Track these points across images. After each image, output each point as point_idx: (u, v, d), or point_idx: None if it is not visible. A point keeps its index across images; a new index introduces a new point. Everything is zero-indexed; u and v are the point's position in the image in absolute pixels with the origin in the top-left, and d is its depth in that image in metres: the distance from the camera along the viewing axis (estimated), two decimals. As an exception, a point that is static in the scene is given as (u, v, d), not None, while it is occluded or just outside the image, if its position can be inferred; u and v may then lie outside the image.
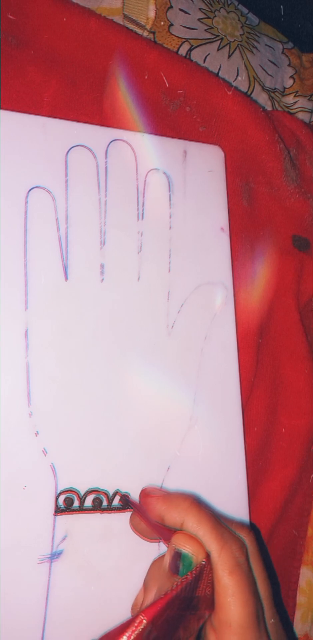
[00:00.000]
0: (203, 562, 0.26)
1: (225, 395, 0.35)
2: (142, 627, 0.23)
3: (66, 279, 0.33)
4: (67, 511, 0.31)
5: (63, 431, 0.31)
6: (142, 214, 0.36)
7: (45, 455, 0.31)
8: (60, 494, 0.31)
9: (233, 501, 0.35)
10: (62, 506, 0.31)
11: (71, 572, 0.31)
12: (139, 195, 0.36)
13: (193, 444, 0.34)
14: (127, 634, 0.22)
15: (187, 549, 0.26)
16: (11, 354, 0.31)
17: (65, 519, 0.31)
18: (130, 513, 0.32)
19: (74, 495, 0.31)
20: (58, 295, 0.33)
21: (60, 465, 0.31)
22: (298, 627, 0.39)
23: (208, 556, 0.26)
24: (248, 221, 0.41)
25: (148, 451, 0.33)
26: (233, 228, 0.39)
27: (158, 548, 0.32)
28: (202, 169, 0.38)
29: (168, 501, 0.28)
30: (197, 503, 0.28)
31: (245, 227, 0.40)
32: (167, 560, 0.27)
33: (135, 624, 0.23)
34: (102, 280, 0.34)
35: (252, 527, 0.29)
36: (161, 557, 0.30)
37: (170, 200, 0.37)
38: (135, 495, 0.32)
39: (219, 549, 0.26)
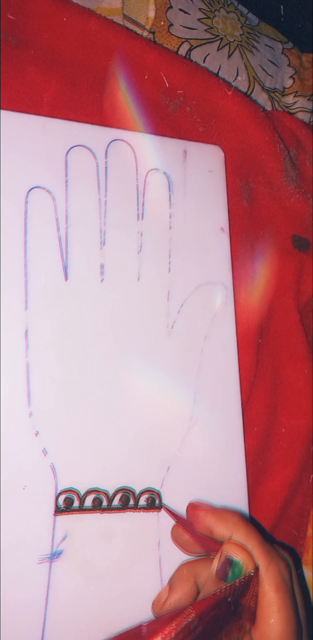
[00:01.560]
0: (252, 573, 0.26)
1: (225, 395, 0.35)
2: (190, 619, 0.24)
3: (66, 279, 0.33)
4: (67, 511, 0.31)
5: (63, 431, 0.31)
6: (142, 214, 0.36)
7: (45, 455, 0.31)
8: (60, 494, 0.31)
9: (233, 501, 0.35)
10: (62, 506, 0.31)
11: (71, 572, 0.31)
12: (139, 195, 0.36)
13: (193, 444, 0.34)
14: (175, 623, 0.24)
15: (238, 557, 0.27)
16: (11, 354, 0.31)
17: (65, 519, 0.31)
18: (173, 523, 0.32)
19: (74, 495, 0.31)
20: (58, 295, 0.33)
21: (60, 465, 0.31)
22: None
23: (257, 569, 0.27)
24: (248, 221, 0.41)
25: (148, 451, 0.33)
26: (233, 228, 0.39)
27: (159, 549, 0.32)
28: (202, 169, 0.38)
29: (216, 515, 0.29)
30: (244, 518, 0.29)
31: (245, 227, 0.40)
32: (216, 565, 0.27)
33: (184, 615, 0.24)
34: (102, 280, 0.34)
35: (292, 553, 0.30)
36: (191, 561, 0.31)
37: (170, 200, 0.37)
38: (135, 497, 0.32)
39: (267, 564, 0.27)
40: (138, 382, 0.33)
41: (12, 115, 0.33)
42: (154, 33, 0.40)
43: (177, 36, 0.41)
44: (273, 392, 0.40)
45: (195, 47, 0.41)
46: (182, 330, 0.35)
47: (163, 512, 0.33)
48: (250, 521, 0.35)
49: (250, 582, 0.26)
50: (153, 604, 0.31)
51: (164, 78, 0.37)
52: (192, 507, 0.30)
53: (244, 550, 0.27)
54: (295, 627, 0.26)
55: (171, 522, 0.32)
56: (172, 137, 0.39)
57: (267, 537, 0.29)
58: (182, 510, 0.32)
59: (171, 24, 0.41)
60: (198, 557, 0.31)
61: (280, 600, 0.26)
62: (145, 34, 0.40)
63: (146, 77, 0.37)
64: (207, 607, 0.25)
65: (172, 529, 0.32)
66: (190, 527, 0.30)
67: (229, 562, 0.27)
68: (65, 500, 0.31)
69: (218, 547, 0.28)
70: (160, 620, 0.24)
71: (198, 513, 0.29)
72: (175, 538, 0.32)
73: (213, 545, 0.29)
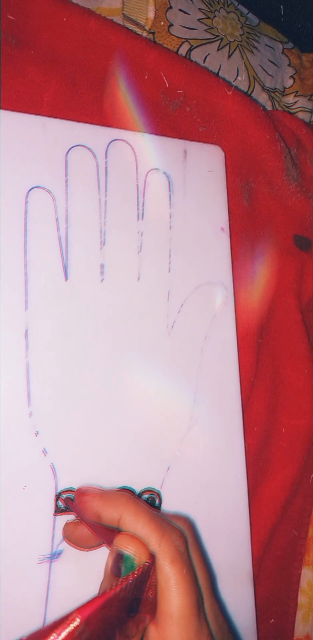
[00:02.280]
0: (147, 563, 0.25)
1: (225, 395, 0.35)
2: (74, 624, 0.22)
3: (66, 279, 0.33)
4: (67, 511, 0.31)
5: (63, 431, 0.31)
6: (142, 214, 0.36)
7: (45, 455, 0.31)
8: (60, 494, 0.31)
9: (233, 501, 0.35)
10: (62, 506, 0.31)
11: (71, 572, 0.31)
12: (139, 195, 0.36)
13: (193, 444, 0.34)
14: (57, 631, 0.21)
15: (129, 550, 0.25)
16: (11, 354, 0.31)
17: (65, 519, 0.31)
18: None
19: (74, 495, 0.31)
20: (58, 295, 0.32)
21: (60, 465, 0.31)
22: (300, 627, 0.39)
23: (152, 558, 0.25)
24: (249, 221, 0.41)
25: (148, 451, 0.33)
26: (233, 228, 0.39)
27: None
28: (202, 169, 0.38)
29: (104, 498, 0.28)
30: (133, 497, 0.27)
31: (245, 227, 0.40)
32: (109, 562, 0.26)
33: (67, 622, 0.22)
34: (102, 280, 0.34)
35: (187, 520, 0.29)
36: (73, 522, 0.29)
37: (170, 200, 0.37)
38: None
39: (159, 538, 0.26)
40: (138, 382, 0.33)
41: (12, 115, 0.33)
42: (153, 33, 0.40)
43: (177, 36, 0.41)
44: (273, 392, 0.40)
45: (195, 47, 0.41)
46: (182, 330, 0.35)
47: (163, 512, 0.33)
48: (250, 519, 0.35)
49: (146, 573, 0.25)
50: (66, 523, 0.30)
51: (164, 78, 0.37)
52: (79, 493, 0.29)
53: (135, 540, 0.26)
54: (195, 598, 0.25)
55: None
56: (172, 137, 0.39)
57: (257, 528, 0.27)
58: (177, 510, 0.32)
59: (171, 24, 0.41)
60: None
61: (177, 573, 0.25)
62: (145, 34, 0.40)
63: (146, 77, 0.37)
64: (94, 609, 0.23)
65: (63, 527, 0.30)
66: (83, 516, 0.28)
67: (120, 557, 0.25)
68: (65, 500, 0.31)
69: (112, 534, 0.27)
70: (41, 631, 0.22)
71: (85, 498, 0.28)
72: (68, 537, 0.30)
73: (107, 534, 0.27)
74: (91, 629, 0.22)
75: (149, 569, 0.25)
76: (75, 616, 0.22)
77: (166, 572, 0.25)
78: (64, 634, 0.21)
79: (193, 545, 0.27)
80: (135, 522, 0.26)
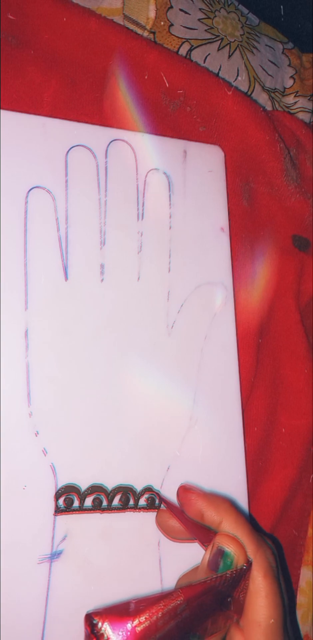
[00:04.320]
0: (245, 567, 0.26)
1: (225, 395, 0.35)
2: (178, 602, 0.24)
3: (66, 279, 0.33)
4: (67, 511, 0.31)
5: (63, 431, 0.31)
6: (142, 214, 0.36)
7: (45, 455, 0.31)
8: (60, 490, 0.31)
9: (233, 501, 0.35)
10: (62, 506, 0.31)
11: (71, 572, 0.31)
12: (139, 195, 0.36)
13: (193, 444, 0.34)
14: (163, 603, 0.24)
15: (230, 548, 0.27)
16: (11, 354, 0.31)
17: (65, 519, 0.31)
18: (156, 512, 0.32)
19: (74, 495, 0.31)
20: (58, 295, 0.33)
21: (60, 465, 0.31)
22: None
23: (250, 563, 0.27)
24: (248, 221, 0.41)
25: (148, 451, 0.33)
26: (233, 228, 0.39)
27: (159, 549, 0.32)
28: (202, 169, 0.38)
29: (208, 499, 0.29)
30: (234, 506, 0.29)
31: (245, 227, 0.40)
32: (207, 556, 0.27)
33: (173, 597, 0.24)
34: (102, 280, 0.34)
35: (275, 542, 0.30)
36: (191, 571, 0.31)
37: (170, 200, 0.37)
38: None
39: (255, 551, 0.27)
40: (138, 382, 0.33)
41: (12, 115, 0.33)
42: (154, 33, 0.40)
43: (177, 36, 0.41)
44: (273, 392, 0.40)
45: (196, 47, 0.41)
46: (182, 330, 0.35)
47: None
48: (250, 519, 0.35)
49: (242, 576, 0.26)
50: None
51: (164, 78, 0.37)
52: (184, 489, 0.30)
53: (236, 541, 0.27)
54: (281, 613, 0.27)
55: (173, 522, 0.32)
56: (172, 137, 0.39)
57: (255, 527, 0.29)
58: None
59: (171, 24, 0.41)
60: (186, 541, 0.31)
61: (268, 586, 0.26)
62: (145, 34, 0.40)
63: (146, 77, 0.37)
64: (196, 593, 0.25)
65: (156, 514, 0.32)
66: (179, 511, 0.30)
67: (221, 553, 0.27)
68: (65, 500, 0.31)
69: (206, 534, 0.28)
70: (149, 599, 0.24)
71: (190, 496, 0.29)
72: (160, 524, 0.32)
73: (201, 532, 0.29)
74: (190, 610, 0.25)
75: (245, 572, 0.27)
76: (180, 595, 0.25)
77: (258, 583, 0.27)
78: (170, 606, 0.24)
79: (279, 567, 0.29)
80: (235, 529, 0.28)
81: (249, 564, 0.27)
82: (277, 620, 0.26)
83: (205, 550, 0.28)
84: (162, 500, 0.32)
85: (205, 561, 0.27)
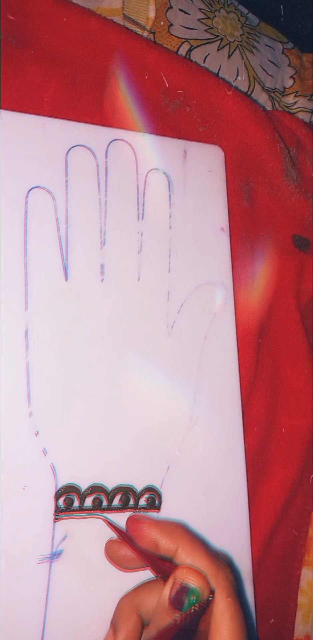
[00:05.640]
0: (210, 597, 0.26)
1: (225, 395, 0.35)
2: None
3: (66, 279, 0.33)
4: (67, 511, 0.31)
5: (63, 431, 0.31)
6: (142, 214, 0.36)
7: (45, 455, 0.31)
8: (60, 490, 0.31)
9: (233, 501, 0.35)
10: (62, 506, 0.31)
11: (71, 572, 0.31)
12: (139, 195, 0.36)
13: (193, 444, 0.34)
14: None
15: (195, 583, 0.26)
16: (11, 354, 0.31)
17: (65, 521, 0.31)
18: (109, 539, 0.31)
19: (74, 496, 0.31)
20: (58, 295, 0.32)
21: (60, 465, 0.31)
22: (299, 628, 0.39)
23: (213, 592, 0.26)
24: (248, 221, 0.41)
25: (148, 451, 0.33)
26: (233, 228, 0.39)
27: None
28: (202, 169, 0.38)
29: (161, 527, 0.28)
30: (188, 530, 0.28)
31: (245, 227, 0.40)
32: (168, 593, 0.26)
33: None
34: (102, 280, 0.34)
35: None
36: (129, 594, 0.30)
37: (170, 200, 0.37)
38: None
39: (216, 573, 0.26)
40: (138, 382, 0.33)
41: (12, 115, 0.33)
42: (154, 33, 0.40)
43: (177, 36, 0.41)
44: (273, 392, 0.40)
45: (195, 48, 0.41)
46: (182, 330, 0.35)
47: (163, 512, 0.33)
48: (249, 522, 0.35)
49: (207, 607, 0.26)
50: None
51: (164, 78, 0.37)
52: (133, 520, 0.29)
53: (199, 574, 0.26)
54: (245, 634, 0.26)
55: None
56: (172, 137, 0.39)
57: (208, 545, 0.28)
58: (182, 509, 0.32)
59: (171, 24, 0.41)
60: (136, 584, 0.30)
61: (233, 607, 0.26)
62: (145, 34, 0.40)
63: (146, 77, 0.37)
64: (171, 634, 0.24)
65: (105, 545, 0.31)
66: (131, 542, 0.29)
67: (185, 590, 0.26)
68: (65, 500, 0.31)
69: (161, 563, 0.27)
70: None
71: (142, 526, 0.28)
72: (110, 555, 0.30)
73: (155, 561, 0.28)
74: None
75: (210, 603, 0.26)
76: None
77: (222, 606, 0.26)
78: None
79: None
80: (192, 555, 0.27)
81: (213, 593, 0.26)
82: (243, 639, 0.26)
83: (161, 582, 0.27)
84: (113, 528, 0.30)
85: (165, 597, 0.26)
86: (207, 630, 0.26)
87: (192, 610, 0.25)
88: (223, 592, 0.26)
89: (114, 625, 0.29)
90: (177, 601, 0.26)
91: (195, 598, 0.25)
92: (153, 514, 0.33)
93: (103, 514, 0.31)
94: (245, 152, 0.40)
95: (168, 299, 0.35)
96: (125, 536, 0.30)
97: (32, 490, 0.30)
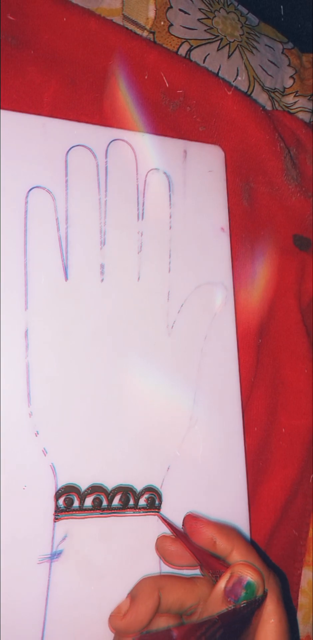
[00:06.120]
0: (265, 594, 0.27)
1: (225, 395, 0.35)
2: (215, 627, 0.25)
3: (66, 279, 0.33)
4: (67, 511, 0.31)
5: (63, 431, 0.31)
6: (142, 214, 0.36)
7: (45, 455, 0.31)
8: (60, 490, 0.31)
9: (233, 501, 0.35)
10: (62, 506, 0.31)
11: (71, 572, 0.31)
12: (139, 195, 0.36)
13: (193, 444, 0.34)
14: (200, 625, 0.25)
15: (254, 577, 0.27)
16: (11, 354, 0.31)
17: (65, 522, 0.31)
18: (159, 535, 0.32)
19: (74, 496, 0.31)
20: (58, 295, 0.32)
21: (60, 465, 0.31)
22: (300, 628, 0.39)
23: (266, 592, 0.27)
24: (249, 221, 0.41)
25: (148, 451, 0.33)
26: (233, 228, 0.39)
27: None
28: (202, 169, 0.38)
29: (218, 528, 0.29)
30: (242, 534, 0.30)
31: (245, 227, 0.40)
32: (223, 585, 0.27)
33: (209, 621, 0.25)
34: (102, 280, 0.34)
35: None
36: (154, 576, 0.31)
37: (170, 200, 0.37)
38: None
39: (267, 576, 0.28)
40: (138, 382, 0.33)
41: (12, 115, 0.33)
42: (153, 33, 0.40)
43: (177, 36, 0.41)
44: (273, 392, 0.40)
45: (195, 48, 0.41)
46: (182, 330, 0.35)
47: (163, 512, 0.33)
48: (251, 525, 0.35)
49: (262, 602, 0.27)
50: (111, 615, 0.30)
51: (164, 78, 0.37)
52: (192, 518, 0.30)
53: (256, 570, 0.27)
54: (289, 637, 0.27)
55: (174, 522, 0.32)
56: (172, 137, 0.39)
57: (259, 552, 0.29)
58: (181, 511, 0.32)
59: (171, 24, 0.41)
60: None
61: (281, 612, 0.27)
62: (145, 34, 0.40)
63: (146, 77, 0.37)
64: (229, 619, 0.26)
65: (157, 540, 0.32)
66: (186, 539, 0.30)
67: (242, 582, 0.27)
68: (65, 500, 0.31)
69: (214, 561, 0.28)
70: (189, 626, 0.26)
71: (200, 524, 0.30)
72: (161, 550, 0.32)
73: (210, 560, 0.29)
74: (223, 631, 0.26)
75: (263, 600, 0.27)
76: (217, 620, 0.26)
77: (270, 608, 0.27)
78: (206, 628, 0.25)
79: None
80: (246, 557, 0.28)
81: (265, 593, 0.27)
82: None
83: (212, 578, 0.28)
84: (168, 525, 0.32)
85: (220, 589, 0.27)
86: (254, 629, 0.27)
87: (250, 601, 0.26)
88: (273, 594, 0.27)
89: (133, 597, 0.30)
90: (232, 592, 0.27)
91: (251, 591, 0.27)
92: (154, 514, 0.33)
93: (159, 512, 0.32)
94: (245, 152, 0.40)
95: (168, 299, 0.35)
96: (180, 533, 0.31)
97: (32, 490, 0.30)
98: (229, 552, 0.29)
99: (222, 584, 0.27)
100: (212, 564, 0.29)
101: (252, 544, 0.30)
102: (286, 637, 0.27)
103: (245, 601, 0.26)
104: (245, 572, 0.27)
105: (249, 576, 0.27)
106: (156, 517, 0.33)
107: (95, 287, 0.34)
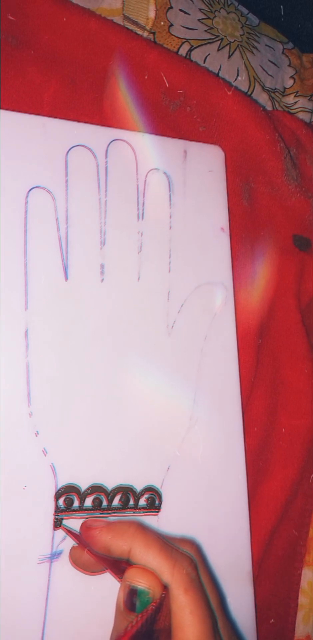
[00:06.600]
0: (163, 595, 0.25)
1: (225, 395, 0.35)
2: None
3: (66, 279, 0.33)
4: (67, 511, 0.31)
5: (63, 431, 0.31)
6: (142, 214, 0.36)
7: (45, 455, 0.31)
8: (60, 490, 0.31)
9: (233, 501, 0.35)
10: (62, 506, 0.31)
11: (71, 572, 0.31)
12: (139, 195, 0.36)
13: (193, 444, 0.34)
14: None
15: (143, 584, 0.25)
16: (11, 354, 0.31)
17: (65, 519, 0.31)
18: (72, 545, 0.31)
19: (74, 496, 0.31)
20: (58, 295, 0.33)
21: (60, 465, 0.31)
22: (300, 628, 0.39)
23: (165, 588, 0.25)
24: (248, 221, 0.41)
25: (148, 451, 0.33)
26: (233, 228, 0.39)
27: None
28: (202, 169, 0.38)
29: (112, 530, 0.27)
30: (142, 527, 0.27)
31: (245, 227, 0.40)
32: (121, 597, 0.26)
33: None
34: (102, 280, 0.34)
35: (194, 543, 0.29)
36: (142, 530, 0.28)
37: (170, 200, 0.37)
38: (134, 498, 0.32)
39: (171, 568, 0.26)
40: (138, 382, 0.33)
41: (12, 115, 0.33)
42: (154, 33, 0.40)
43: (177, 36, 0.41)
44: (273, 392, 0.40)
45: (196, 48, 0.41)
46: (182, 330, 0.35)
47: (163, 512, 0.33)
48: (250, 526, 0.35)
49: (162, 604, 0.25)
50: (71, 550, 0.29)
51: (164, 78, 0.37)
52: (86, 527, 0.29)
53: (147, 573, 0.26)
54: (210, 624, 0.25)
55: (174, 522, 0.32)
56: (172, 137, 0.39)
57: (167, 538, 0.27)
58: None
59: (171, 25, 0.41)
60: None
61: (192, 601, 0.25)
62: (145, 34, 0.40)
63: (146, 77, 0.37)
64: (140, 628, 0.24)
65: (70, 551, 0.30)
66: (89, 547, 0.29)
67: (134, 592, 0.25)
68: (65, 500, 0.31)
69: (118, 565, 0.27)
70: None
71: (93, 532, 0.28)
72: (75, 561, 0.30)
73: (115, 564, 0.27)
74: None
75: (163, 600, 0.25)
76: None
77: (180, 602, 0.25)
78: None
79: (202, 568, 0.27)
80: (145, 553, 0.26)
81: (165, 588, 0.25)
82: (207, 632, 0.25)
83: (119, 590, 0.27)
84: (72, 535, 0.30)
85: (120, 602, 0.26)
86: (167, 626, 0.26)
87: (147, 611, 0.24)
88: (180, 586, 0.25)
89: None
90: (130, 604, 0.25)
91: (146, 598, 0.25)
92: (154, 514, 0.33)
93: (62, 523, 0.31)
94: (245, 152, 0.40)
95: (168, 299, 0.35)
96: (83, 542, 0.29)
97: (32, 490, 0.30)
98: (128, 552, 0.26)
99: (120, 595, 0.26)
100: (119, 567, 0.27)
101: (153, 532, 0.27)
102: (206, 623, 0.25)
103: (144, 611, 0.24)
104: (135, 579, 0.25)
105: (139, 584, 0.25)
106: (156, 516, 0.33)
107: (95, 287, 0.34)
